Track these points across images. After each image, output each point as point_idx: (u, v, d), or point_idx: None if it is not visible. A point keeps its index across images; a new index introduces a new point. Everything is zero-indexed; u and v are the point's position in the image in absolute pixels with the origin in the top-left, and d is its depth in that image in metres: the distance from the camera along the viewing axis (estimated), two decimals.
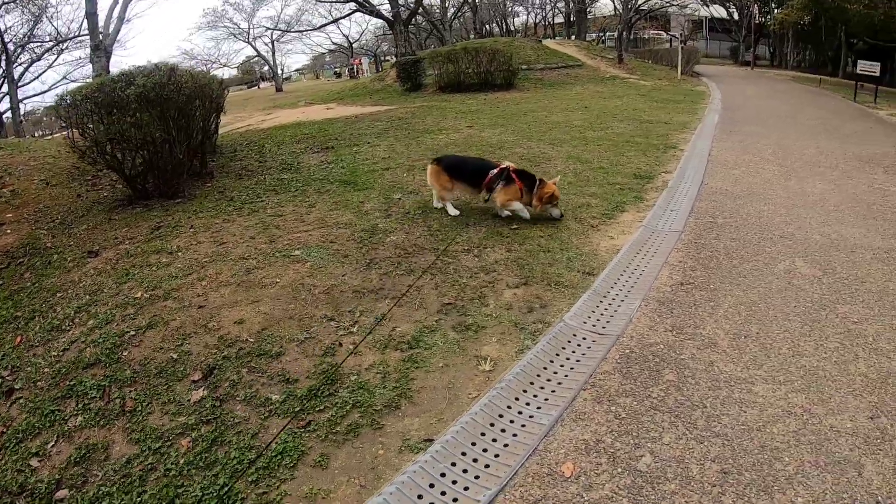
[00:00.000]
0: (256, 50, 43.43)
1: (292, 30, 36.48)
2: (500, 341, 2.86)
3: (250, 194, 5.39)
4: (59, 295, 3.68)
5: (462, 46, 14.92)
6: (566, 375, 2.60)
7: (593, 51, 23.41)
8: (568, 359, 2.74)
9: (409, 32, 19.97)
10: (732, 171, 6.07)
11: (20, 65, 21.52)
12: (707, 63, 32.15)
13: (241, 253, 3.96)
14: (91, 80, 8.38)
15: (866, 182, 5.67)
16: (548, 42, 25.06)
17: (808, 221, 4.48)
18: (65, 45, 22.19)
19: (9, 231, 4.57)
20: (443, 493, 1.98)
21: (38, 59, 22.10)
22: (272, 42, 42.58)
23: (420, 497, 1.98)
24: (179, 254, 4.04)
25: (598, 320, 3.06)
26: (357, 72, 42.26)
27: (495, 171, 4.25)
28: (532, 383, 2.54)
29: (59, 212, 4.99)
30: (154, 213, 4.96)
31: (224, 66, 43.81)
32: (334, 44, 48.66)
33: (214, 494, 2.14)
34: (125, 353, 3.00)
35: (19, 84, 21.07)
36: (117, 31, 11.23)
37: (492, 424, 2.28)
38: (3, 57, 19.34)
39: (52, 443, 2.54)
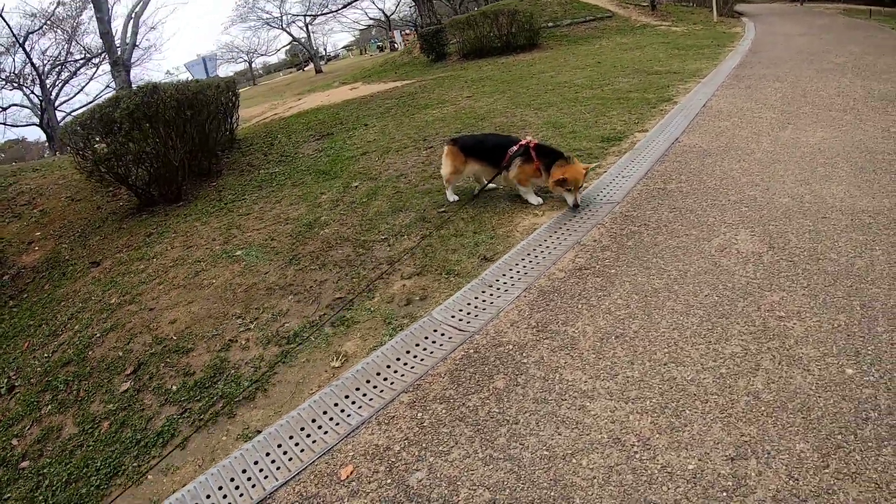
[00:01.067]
0: (292, 35, 45.33)
1: (320, 12, 37.45)
2: (362, 337, 3.35)
3: (238, 193, 6.19)
4: (62, 304, 4.74)
5: (481, 11, 14.75)
6: (402, 376, 2.88)
7: None
8: (415, 356, 2.99)
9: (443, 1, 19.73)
10: (720, 124, 5.82)
11: (55, 86, 24.09)
12: (755, 1, 29.01)
13: (199, 256, 4.77)
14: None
15: (881, 127, 5.17)
16: None
17: (782, 180, 4.19)
18: (96, 60, 24.44)
19: (37, 248, 5.77)
20: (249, 479, 2.60)
21: (74, 76, 24.59)
22: (306, 26, 43.83)
23: (232, 480, 2.62)
24: (154, 260, 4.93)
25: (467, 314, 3.21)
26: (393, 45, 42.43)
27: (514, 147, 4.17)
28: (368, 381, 2.93)
29: (80, 225, 6.15)
30: (154, 220, 5.94)
31: (263, 55, 46.11)
32: (371, 19, 48.86)
33: (110, 465, 2.96)
34: (90, 353, 3.93)
35: (61, 102, 23.73)
36: (133, 45, 12.54)
37: (313, 420, 2.81)
38: (38, 83, 21.81)
39: (29, 426, 3.51)
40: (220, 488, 2.58)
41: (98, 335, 4.07)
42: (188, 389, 3.29)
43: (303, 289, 3.95)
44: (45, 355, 4.10)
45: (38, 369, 3.98)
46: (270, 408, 3.00)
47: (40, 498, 2.92)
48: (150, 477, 2.82)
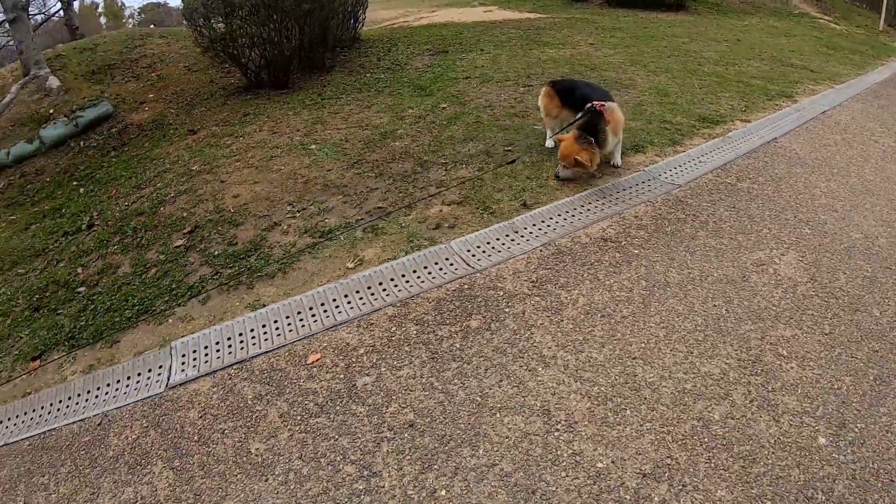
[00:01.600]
0: None
1: None
2: (383, 247, 3.48)
3: (337, 91, 6.43)
4: (154, 162, 5.30)
5: None
6: (398, 291, 3.02)
7: None
8: (418, 277, 3.12)
9: None
10: (830, 136, 5.04)
11: None
12: None
13: (279, 143, 5.08)
14: None
15: None
16: None
17: (863, 214, 3.64)
18: None
19: (146, 109, 6.44)
20: (241, 342, 2.88)
21: None
22: None
23: (229, 339, 2.92)
24: (241, 139, 5.33)
25: (481, 252, 3.26)
26: None
27: (592, 104, 3.85)
28: (369, 287, 3.10)
29: (190, 94, 6.74)
30: (256, 101, 6.37)
31: None
32: None
33: (144, 304, 3.39)
34: (161, 209, 4.41)
35: None
36: None
37: (310, 308, 3.03)
38: None
39: (94, 260, 4.07)
40: (217, 343, 2.88)
41: (172, 195, 4.53)
42: (226, 257, 3.61)
43: (353, 192, 4.11)
44: (126, 204, 4.65)
45: (117, 214, 4.53)
46: (283, 288, 3.23)
47: (83, 317, 3.41)
48: (169, 321, 3.19)
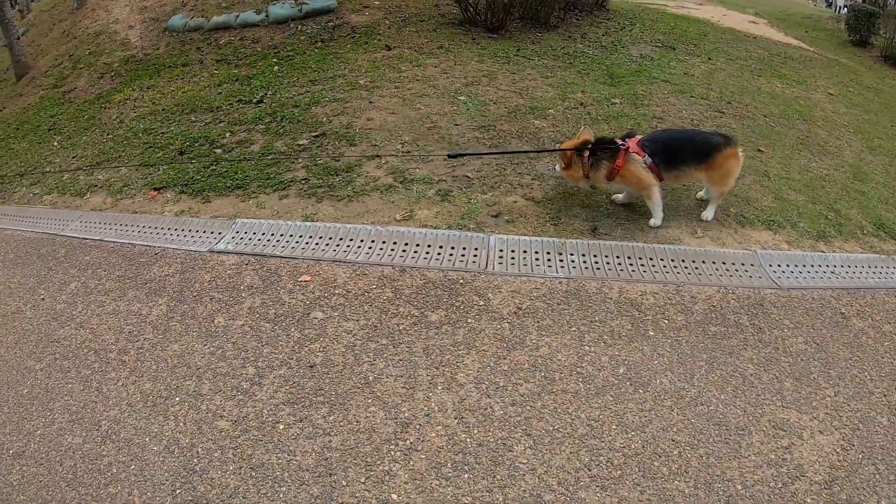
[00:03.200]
0: None
1: None
2: (437, 214, 3.90)
3: (538, 53, 6.75)
4: (341, 64, 6.27)
5: None
6: (413, 258, 3.49)
7: None
8: (436, 255, 3.51)
9: None
10: None
11: None
12: None
13: (440, 83, 5.66)
14: None
15: None
16: None
17: None
18: None
19: (367, 13, 7.42)
20: (278, 240, 3.62)
21: None
22: None
23: (273, 234, 3.68)
24: (416, 69, 6.02)
25: (509, 261, 3.55)
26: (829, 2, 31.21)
27: (624, 142, 3.78)
28: (395, 242, 3.62)
29: (411, 12, 7.60)
30: (460, 38, 7.01)
31: None
32: None
33: (246, 182, 4.31)
34: (312, 109, 5.33)
35: None
36: None
37: (341, 239, 3.66)
38: None
39: (242, 131, 5.14)
40: (263, 234, 3.67)
41: (328, 99, 5.43)
42: (323, 168, 4.39)
43: (463, 150, 4.50)
44: (295, 92, 5.70)
45: (283, 99, 5.58)
46: (339, 212, 3.92)
47: (203, 173, 4.46)
48: (251, 201, 4.10)
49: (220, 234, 3.76)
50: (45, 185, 5.06)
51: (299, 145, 4.80)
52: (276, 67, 6.40)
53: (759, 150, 4.98)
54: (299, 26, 7.19)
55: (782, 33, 9.99)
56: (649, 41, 7.65)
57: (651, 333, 3.02)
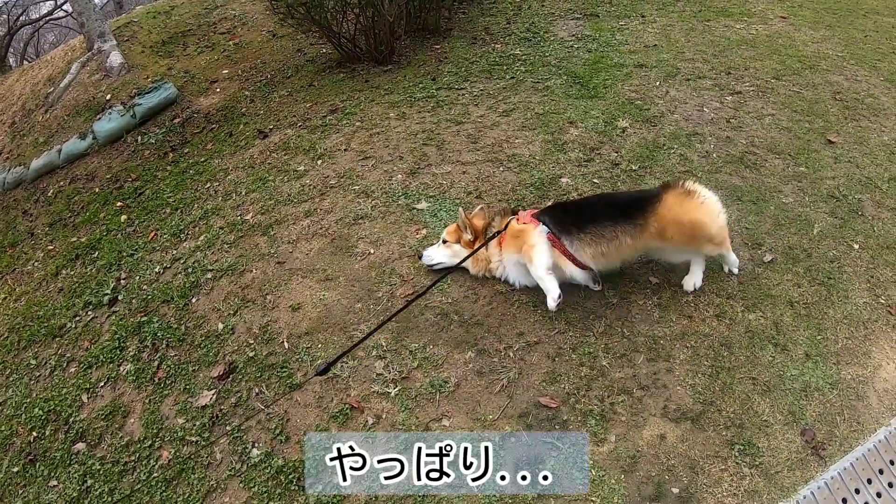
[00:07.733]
0: None
1: None
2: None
3: (458, 76, 4.84)
4: (208, 186, 4.16)
5: None
6: None
7: None
8: None
9: None
10: None
11: None
12: None
13: (372, 181, 3.72)
14: None
15: None
16: None
17: None
18: None
19: (218, 90, 5.29)
20: None
21: None
22: None
23: None
24: (318, 162, 4.02)
25: None
26: None
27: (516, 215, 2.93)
28: None
29: (271, 69, 5.57)
30: (348, 85, 5.03)
31: None
32: None
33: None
34: (194, 300, 3.30)
35: None
36: None
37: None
38: None
39: (103, 384, 3.11)
40: None
41: (210, 275, 3.40)
42: (266, 463, 2.43)
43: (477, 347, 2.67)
44: (157, 271, 3.60)
45: (144, 289, 3.51)
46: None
47: None
48: None
49: None
50: None
51: (201, 408, 2.77)
52: (124, 217, 4.13)
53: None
54: (138, 138, 4.93)
55: None
56: (564, 14, 5.87)
57: None
